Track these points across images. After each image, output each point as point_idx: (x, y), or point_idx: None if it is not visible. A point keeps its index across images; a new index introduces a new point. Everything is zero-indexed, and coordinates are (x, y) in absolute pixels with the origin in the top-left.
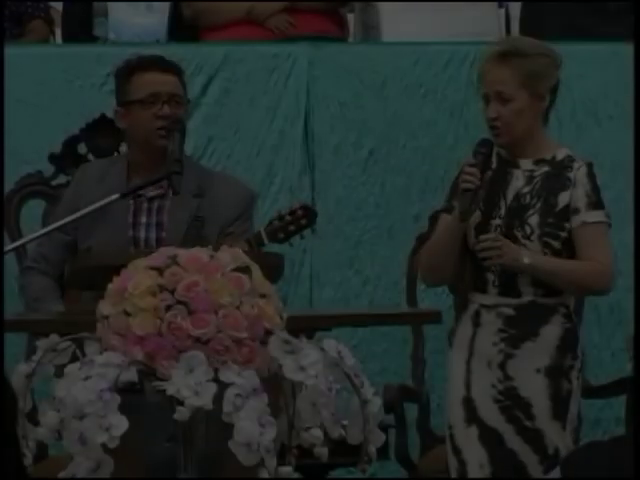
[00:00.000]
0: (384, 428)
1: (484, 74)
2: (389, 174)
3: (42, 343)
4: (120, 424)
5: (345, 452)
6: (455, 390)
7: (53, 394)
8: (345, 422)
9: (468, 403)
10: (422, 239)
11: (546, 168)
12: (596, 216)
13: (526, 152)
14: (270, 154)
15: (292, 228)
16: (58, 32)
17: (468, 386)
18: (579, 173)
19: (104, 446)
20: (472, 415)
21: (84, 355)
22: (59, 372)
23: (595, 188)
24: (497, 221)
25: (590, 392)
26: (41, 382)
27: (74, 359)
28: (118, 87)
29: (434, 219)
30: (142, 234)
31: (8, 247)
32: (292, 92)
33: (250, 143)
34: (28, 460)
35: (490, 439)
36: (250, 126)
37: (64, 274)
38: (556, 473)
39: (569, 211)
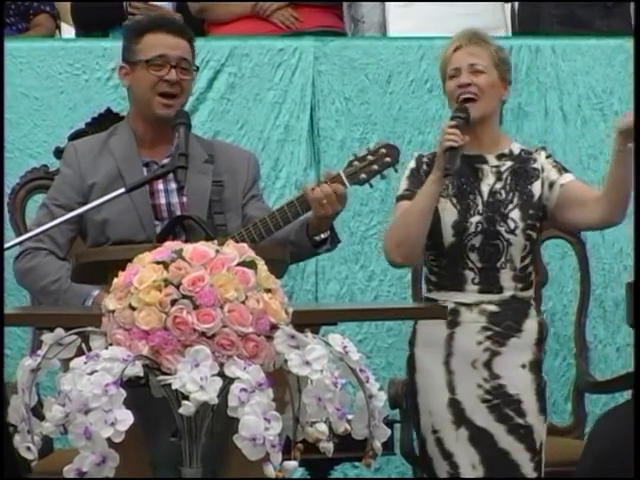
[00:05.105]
0: (389, 423)
1: (451, 55)
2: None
3: (47, 337)
4: (125, 418)
5: (350, 447)
6: (438, 393)
7: (58, 388)
8: (350, 417)
9: (455, 405)
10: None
11: (509, 163)
12: (569, 177)
13: (488, 146)
14: (275, 149)
15: (375, 167)
16: (64, 26)
17: (452, 388)
18: (541, 158)
19: (109, 440)
20: (460, 417)
21: (89, 349)
22: (65, 366)
23: (557, 161)
24: (476, 218)
25: (595, 387)
26: (47, 376)
27: (80, 353)
28: (126, 46)
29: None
30: (162, 200)
31: (11, 242)
32: (298, 87)
33: (256, 138)
34: (33, 454)
35: (481, 440)
36: (256, 121)
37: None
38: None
39: (543, 196)
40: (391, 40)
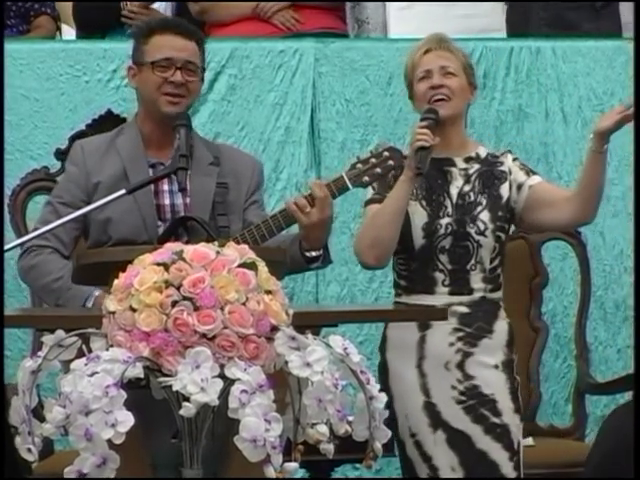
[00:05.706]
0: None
1: (420, 57)
2: None
3: (48, 338)
4: (126, 420)
5: (351, 448)
6: (412, 397)
7: (59, 390)
8: (351, 418)
9: (430, 408)
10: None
11: (477, 166)
12: (537, 178)
13: (456, 149)
14: (276, 150)
15: (378, 171)
16: (64, 28)
17: (426, 391)
18: (508, 161)
19: (110, 442)
20: (436, 420)
21: (90, 351)
22: (65, 368)
23: (524, 164)
24: (446, 220)
25: (596, 388)
26: (47, 378)
27: (80, 355)
28: (135, 47)
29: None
30: (167, 201)
31: (12, 244)
32: (298, 88)
33: (256, 139)
34: (34, 456)
35: (458, 442)
36: (256, 122)
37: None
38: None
39: (511, 198)
40: (392, 42)
